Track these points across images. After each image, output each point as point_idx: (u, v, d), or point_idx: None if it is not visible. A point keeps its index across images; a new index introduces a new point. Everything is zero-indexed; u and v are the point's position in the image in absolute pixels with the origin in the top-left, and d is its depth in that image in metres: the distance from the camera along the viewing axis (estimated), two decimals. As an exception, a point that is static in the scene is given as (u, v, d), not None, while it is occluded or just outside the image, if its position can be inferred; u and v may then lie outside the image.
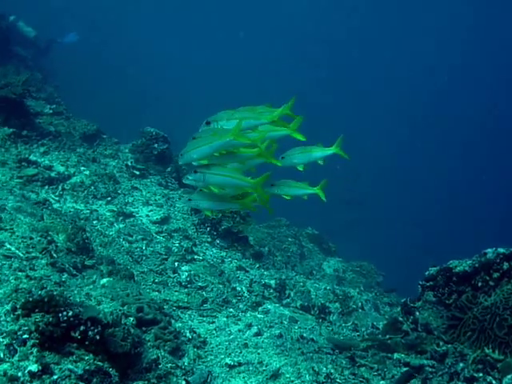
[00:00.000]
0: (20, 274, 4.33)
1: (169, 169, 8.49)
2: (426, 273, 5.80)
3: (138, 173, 8.07)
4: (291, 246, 10.78)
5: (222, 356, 4.71)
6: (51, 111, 9.45)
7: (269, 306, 6.24)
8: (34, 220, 5.68)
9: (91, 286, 4.73)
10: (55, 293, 3.73)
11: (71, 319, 3.64)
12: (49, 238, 5.33)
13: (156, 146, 8.45)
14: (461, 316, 5.40)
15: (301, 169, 4.71)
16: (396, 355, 5.36)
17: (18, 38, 13.48)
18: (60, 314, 3.61)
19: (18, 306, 3.66)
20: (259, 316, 5.79)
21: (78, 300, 4.23)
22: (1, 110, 8.33)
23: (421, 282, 5.81)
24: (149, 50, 37.60)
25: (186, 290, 5.91)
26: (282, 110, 4.28)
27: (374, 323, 6.89)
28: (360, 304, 7.92)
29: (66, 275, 4.75)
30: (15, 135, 7.98)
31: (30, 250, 4.88)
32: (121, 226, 6.92)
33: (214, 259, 7.04)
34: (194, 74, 35.32)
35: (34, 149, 7.79)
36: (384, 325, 6.16)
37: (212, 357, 4.69)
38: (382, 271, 11.49)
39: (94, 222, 6.80)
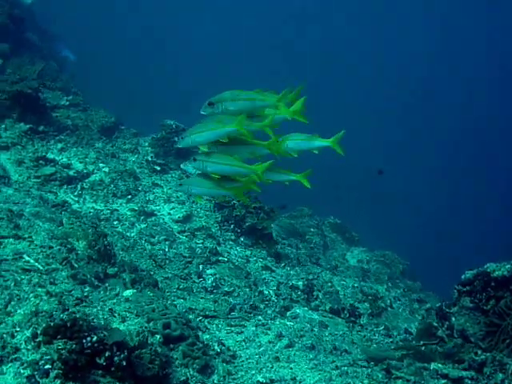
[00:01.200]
0: (40, 290, 4.10)
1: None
2: (462, 276, 5.50)
3: (158, 168, 7.81)
4: (314, 236, 10.53)
5: (253, 372, 4.47)
6: (68, 103, 9.19)
7: (298, 311, 5.99)
8: (53, 226, 5.45)
9: (114, 300, 4.49)
10: (78, 315, 3.50)
11: (96, 345, 3.41)
12: (69, 245, 5.09)
13: (176, 139, 8.13)
14: (499, 322, 5.13)
15: (295, 155, 4.41)
16: (433, 365, 5.09)
17: (33, 24, 13.15)
18: (84, 340, 3.37)
19: (38, 332, 3.43)
20: (289, 323, 5.54)
21: (101, 319, 4.00)
22: (16, 105, 8.08)
23: (457, 287, 5.51)
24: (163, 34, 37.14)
25: (212, 296, 5.66)
26: (284, 93, 4.05)
27: (406, 326, 6.62)
28: (389, 302, 7.66)
29: (88, 288, 4.51)
30: (32, 131, 7.75)
31: (50, 260, 4.65)
32: (142, 226, 6.68)
33: (239, 259, 6.80)
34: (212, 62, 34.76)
35: (51, 145, 7.56)
36: (418, 330, 5.89)
37: (242, 373, 4.45)
38: (406, 260, 11.24)
39: (115, 223, 6.57)
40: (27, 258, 4.53)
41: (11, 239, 4.88)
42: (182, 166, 4.44)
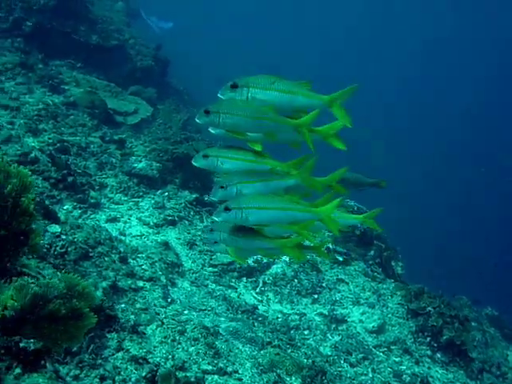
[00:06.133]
0: None
1: (371, 252, 6.98)
2: None
3: (340, 259, 6.62)
4: (475, 332, 9.03)
5: None
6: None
7: None
8: (254, 349, 4.36)
9: None
10: None
11: None
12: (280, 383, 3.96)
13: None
14: None
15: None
16: None
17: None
18: None
19: None
20: None
21: None
22: (178, 169, 7.16)
23: None
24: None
25: None
26: (339, 94, 2.78)
27: None
28: None
29: None
30: (198, 202, 6.78)
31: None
32: (336, 338, 5.48)
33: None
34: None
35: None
36: None
37: None
38: None
39: (306, 333, 5.41)
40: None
41: (216, 376, 3.80)
42: (211, 196, 3.09)
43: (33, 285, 2.77)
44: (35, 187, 2.80)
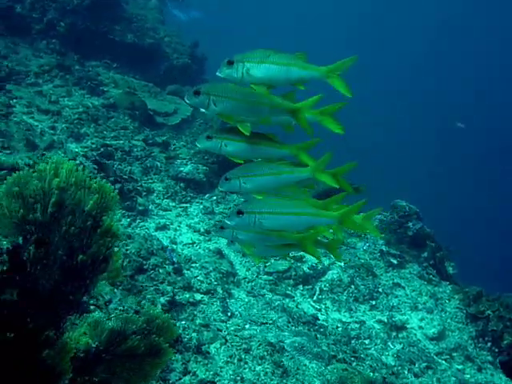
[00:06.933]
0: None
1: (425, 254, 6.74)
2: None
3: (395, 262, 6.40)
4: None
5: None
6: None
7: None
8: (321, 365, 4.20)
9: None
10: None
11: None
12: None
13: (411, 225, 6.74)
14: None
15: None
16: None
17: None
18: None
19: None
20: None
21: None
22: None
23: None
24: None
25: None
26: (338, 64, 2.56)
27: None
28: None
29: None
30: (245, 205, 6.61)
31: None
32: (398, 347, 5.29)
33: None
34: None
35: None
36: None
37: None
38: None
39: (367, 342, 5.23)
40: None
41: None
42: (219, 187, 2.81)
43: (109, 321, 2.62)
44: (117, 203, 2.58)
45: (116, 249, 2.57)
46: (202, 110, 2.67)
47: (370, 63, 29.60)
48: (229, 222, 2.68)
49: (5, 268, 2.60)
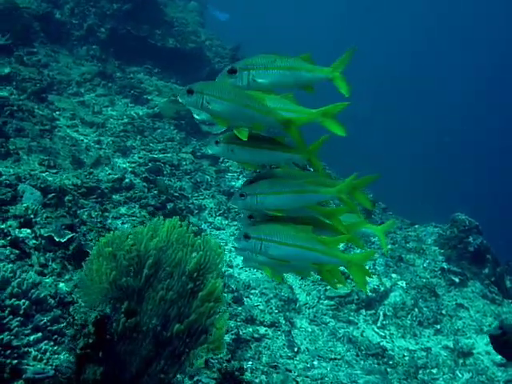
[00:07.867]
0: None
1: (486, 270, 6.47)
2: None
3: (457, 280, 6.15)
4: None
5: None
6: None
7: None
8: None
9: None
10: None
11: None
12: None
13: (471, 239, 6.47)
14: None
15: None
16: None
17: None
18: None
19: None
20: None
21: None
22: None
23: None
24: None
25: None
26: (339, 62, 2.46)
27: None
28: None
29: None
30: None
31: None
32: (466, 375, 5.07)
33: None
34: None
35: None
36: None
37: None
38: None
39: (434, 372, 5.01)
40: None
41: None
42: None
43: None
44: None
45: (218, 316, 2.35)
46: (195, 115, 2.65)
47: (370, 63, 29.42)
48: (236, 244, 2.53)
49: (90, 341, 2.42)
